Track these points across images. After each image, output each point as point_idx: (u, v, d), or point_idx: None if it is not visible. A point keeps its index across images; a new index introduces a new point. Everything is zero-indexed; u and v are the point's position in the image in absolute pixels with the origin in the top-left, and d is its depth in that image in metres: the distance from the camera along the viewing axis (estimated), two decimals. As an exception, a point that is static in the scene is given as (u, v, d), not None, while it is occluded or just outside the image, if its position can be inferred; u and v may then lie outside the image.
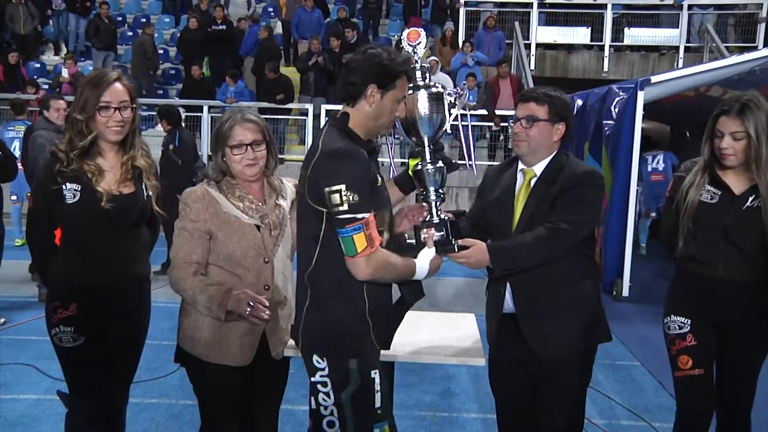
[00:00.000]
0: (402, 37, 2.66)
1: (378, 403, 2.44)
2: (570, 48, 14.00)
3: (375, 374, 2.43)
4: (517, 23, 13.60)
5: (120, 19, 16.07)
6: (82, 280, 2.78)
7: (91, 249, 2.79)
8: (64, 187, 2.71)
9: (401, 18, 15.53)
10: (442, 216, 2.61)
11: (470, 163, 2.77)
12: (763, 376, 2.98)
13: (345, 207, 2.27)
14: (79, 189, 2.72)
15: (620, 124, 7.00)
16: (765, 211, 2.79)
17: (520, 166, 2.82)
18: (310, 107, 11.83)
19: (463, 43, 12.87)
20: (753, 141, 2.78)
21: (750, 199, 2.84)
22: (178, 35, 14.15)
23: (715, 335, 2.96)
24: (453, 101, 2.70)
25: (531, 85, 11.22)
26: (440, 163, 2.64)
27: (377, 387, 2.43)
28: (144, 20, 16.25)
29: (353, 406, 2.42)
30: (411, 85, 2.55)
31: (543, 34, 13.96)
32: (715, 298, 2.90)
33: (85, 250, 2.79)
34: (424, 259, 2.50)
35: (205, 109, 11.67)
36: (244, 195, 2.70)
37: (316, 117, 11.75)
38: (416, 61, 2.62)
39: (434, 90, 2.62)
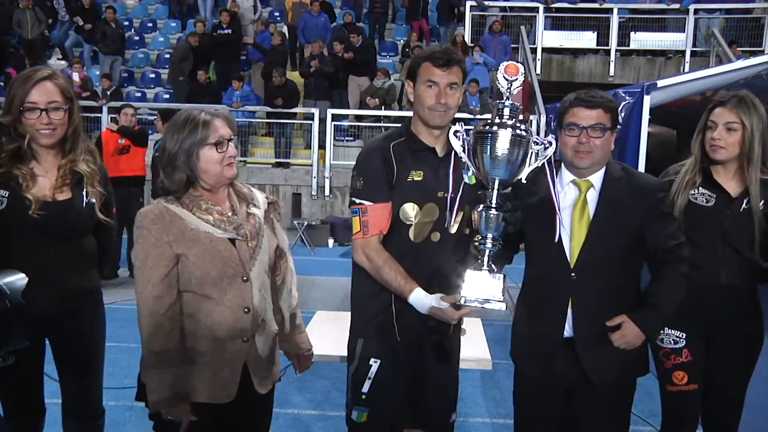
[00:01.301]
0: (498, 71, 2.44)
1: (365, 389, 2.61)
2: (576, 52, 13.99)
3: (374, 363, 2.61)
4: (522, 27, 13.59)
5: (126, 23, 16.14)
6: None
7: (22, 261, 2.41)
8: None
9: (406, 22, 15.56)
10: (494, 267, 2.42)
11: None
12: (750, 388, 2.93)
13: (351, 190, 2.61)
14: (6, 195, 2.48)
15: (627, 129, 6.97)
16: (753, 209, 2.75)
17: (569, 176, 2.59)
18: (316, 111, 11.85)
19: (471, 48, 12.85)
20: (747, 134, 2.73)
21: (745, 201, 2.78)
22: (184, 40, 14.23)
23: (705, 347, 2.88)
24: (537, 151, 2.44)
25: (537, 90, 11.20)
26: (503, 211, 2.40)
27: (371, 375, 2.60)
28: (150, 24, 16.35)
29: (351, 384, 2.67)
30: (494, 122, 2.39)
31: (549, 38, 13.95)
32: (714, 306, 2.81)
33: (15, 263, 2.40)
34: (431, 300, 2.46)
35: (212, 113, 11.66)
36: (211, 207, 2.35)
37: (322, 121, 11.77)
38: (507, 98, 2.41)
39: (517, 132, 2.36)
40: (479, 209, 2.40)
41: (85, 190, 2.62)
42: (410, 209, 2.56)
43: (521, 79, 2.43)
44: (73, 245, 2.61)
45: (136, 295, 2.30)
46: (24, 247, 2.52)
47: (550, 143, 2.46)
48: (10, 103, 2.50)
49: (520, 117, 2.43)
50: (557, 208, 2.52)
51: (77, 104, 2.63)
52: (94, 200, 2.64)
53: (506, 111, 2.39)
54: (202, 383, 2.34)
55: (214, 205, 2.36)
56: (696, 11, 13.69)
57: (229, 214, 2.38)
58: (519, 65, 2.44)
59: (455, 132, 2.48)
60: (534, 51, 13.47)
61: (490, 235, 2.40)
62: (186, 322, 2.33)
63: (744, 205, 2.78)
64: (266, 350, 2.44)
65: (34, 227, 2.50)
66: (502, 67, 2.44)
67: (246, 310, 2.36)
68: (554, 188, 2.52)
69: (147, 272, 2.28)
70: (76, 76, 12.67)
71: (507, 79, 2.41)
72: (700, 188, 2.83)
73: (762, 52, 12.04)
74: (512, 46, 13.43)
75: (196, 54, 13.20)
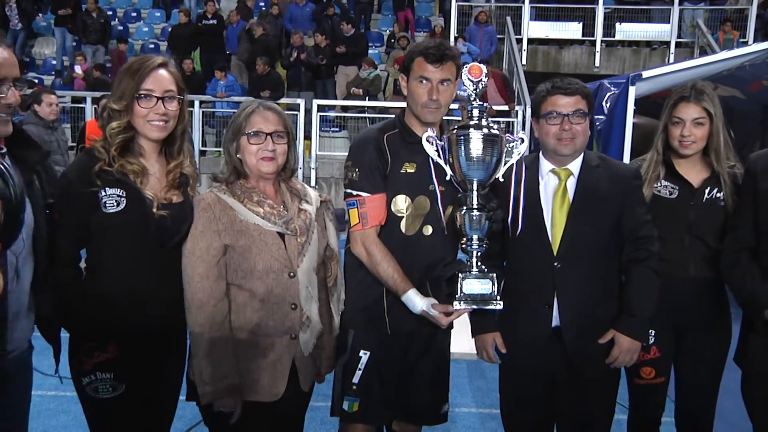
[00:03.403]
0: (463, 72, 2.47)
1: (356, 380, 2.60)
2: (562, 43, 14.00)
3: (364, 354, 2.60)
4: (508, 18, 13.58)
5: (110, 13, 15.96)
6: (123, 313, 2.23)
7: (135, 272, 2.25)
8: (102, 192, 2.18)
9: (393, 13, 15.51)
10: (484, 268, 2.44)
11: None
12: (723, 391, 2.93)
13: (347, 181, 2.53)
14: (124, 195, 2.19)
15: (612, 119, 7.01)
16: (727, 201, 2.75)
17: (549, 166, 2.60)
18: (301, 102, 11.80)
19: (455, 38, 12.85)
20: (715, 125, 2.74)
21: (707, 190, 2.79)
22: (169, 30, 14.10)
23: (674, 338, 2.87)
24: (510, 148, 2.47)
25: (523, 80, 11.20)
26: (486, 211, 2.42)
27: (361, 366, 2.59)
28: (134, 14, 16.19)
29: (341, 374, 2.64)
30: (463, 124, 2.42)
31: (534, 29, 13.94)
32: (684, 299, 2.79)
33: (128, 273, 2.24)
34: (423, 303, 2.47)
35: (197, 104, 11.58)
36: (263, 200, 2.34)
37: (308, 111, 11.71)
38: (474, 99, 2.43)
39: (489, 132, 2.38)
40: (462, 212, 2.41)
41: (190, 194, 2.39)
42: (402, 201, 2.56)
43: (485, 79, 2.45)
44: (177, 254, 2.34)
45: (184, 285, 2.27)
46: (138, 254, 2.25)
47: (522, 140, 2.48)
48: (123, 91, 2.25)
49: (506, 112, 2.44)
50: (520, 205, 2.53)
51: (186, 97, 2.39)
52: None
53: (475, 112, 2.41)
54: (250, 381, 2.31)
55: (266, 197, 2.36)
56: (681, 2, 13.74)
57: (280, 208, 2.37)
58: (482, 66, 2.46)
59: (428, 138, 2.48)
60: (520, 42, 13.46)
61: (475, 236, 2.42)
62: (233, 317, 2.30)
63: (707, 195, 2.79)
64: (310, 347, 2.42)
65: (153, 231, 2.23)
66: (465, 69, 2.46)
67: (293, 306, 2.34)
68: (523, 184, 2.53)
69: (194, 261, 2.26)
70: (78, 68, 12.57)
71: (472, 81, 2.43)
72: (663, 181, 2.83)
73: (746, 43, 12.10)
74: (498, 36, 13.41)
75: (177, 43, 13.08)
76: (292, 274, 2.33)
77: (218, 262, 2.27)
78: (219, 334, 2.24)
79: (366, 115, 11.77)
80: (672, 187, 2.82)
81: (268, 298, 2.30)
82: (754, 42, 12.04)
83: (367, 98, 11.91)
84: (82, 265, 2.34)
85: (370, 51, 14.04)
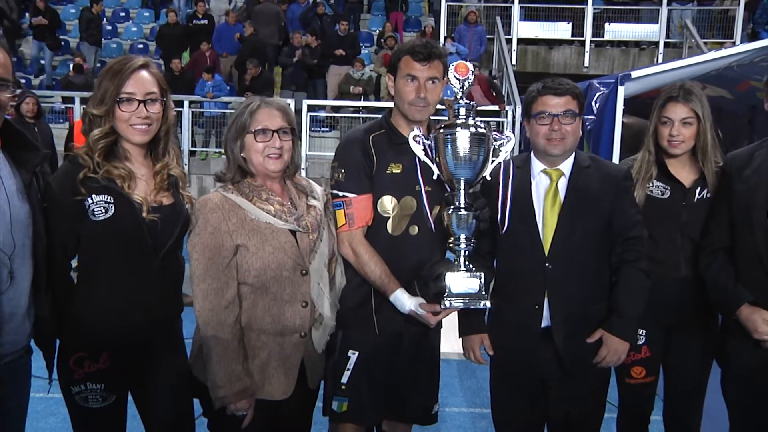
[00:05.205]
0: (449, 70, 2.47)
1: (344, 380, 2.59)
2: (551, 43, 14.03)
3: (352, 354, 2.60)
4: (498, 18, 13.60)
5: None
6: (115, 322, 2.20)
7: (127, 279, 2.20)
8: (89, 199, 2.13)
9: (383, 13, 15.50)
10: (472, 267, 2.46)
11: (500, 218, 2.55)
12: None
13: (333, 182, 2.52)
14: (112, 201, 2.14)
15: (601, 119, 7.02)
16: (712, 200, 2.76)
17: (540, 166, 2.60)
18: (291, 102, 11.76)
19: (445, 38, 12.86)
20: (702, 125, 2.75)
21: (698, 190, 2.80)
22: (158, 29, 14.03)
23: (663, 337, 2.89)
24: (497, 146, 2.49)
25: (512, 80, 11.21)
26: (473, 210, 2.43)
27: (350, 366, 2.58)
28: (123, 14, 16.11)
29: (331, 374, 2.62)
30: (450, 123, 2.43)
31: (524, 29, 13.96)
32: (675, 299, 2.80)
33: (120, 281, 2.19)
34: (411, 303, 2.48)
35: (186, 104, 11.54)
36: (272, 197, 2.32)
37: (298, 112, 11.68)
38: (461, 98, 2.45)
39: (476, 130, 2.40)
40: (449, 211, 2.42)
41: (181, 195, 2.34)
42: (388, 202, 2.55)
43: (472, 77, 2.46)
44: (174, 258, 2.31)
45: (194, 287, 2.24)
46: (130, 261, 2.19)
47: (510, 138, 2.49)
48: (103, 94, 2.19)
49: (496, 112, 2.45)
50: (508, 202, 2.54)
51: (170, 98, 2.32)
52: (189, 206, 2.36)
53: (462, 111, 2.42)
54: (259, 379, 2.31)
55: (275, 195, 2.34)
56: (669, 2, 13.80)
57: (289, 205, 2.36)
58: (469, 64, 2.47)
59: (415, 137, 2.48)
60: (509, 42, 13.48)
61: (463, 235, 2.43)
62: (243, 316, 2.28)
63: (698, 195, 2.80)
64: (322, 345, 2.44)
65: (143, 237, 2.18)
66: (452, 67, 2.46)
67: (304, 304, 2.34)
68: (511, 182, 2.54)
69: (205, 263, 2.22)
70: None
71: (458, 79, 2.44)
72: (655, 181, 2.84)
73: (733, 44, 12.17)
74: (488, 36, 13.43)
75: (166, 43, 13.02)
76: (304, 271, 2.32)
77: (229, 264, 2.24)
78: (230, 337, 2.24)
79: (359, 115, 11.75)
80: (664, 188, 2.83)
81: (280, 297, 2.30)
82: (741, 43, 12.11)
83: (361, 98, 11.91)
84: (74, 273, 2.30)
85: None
